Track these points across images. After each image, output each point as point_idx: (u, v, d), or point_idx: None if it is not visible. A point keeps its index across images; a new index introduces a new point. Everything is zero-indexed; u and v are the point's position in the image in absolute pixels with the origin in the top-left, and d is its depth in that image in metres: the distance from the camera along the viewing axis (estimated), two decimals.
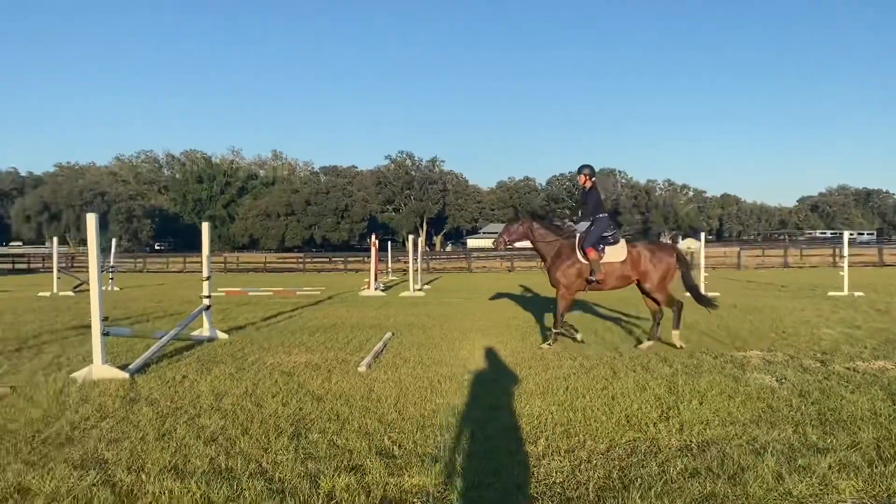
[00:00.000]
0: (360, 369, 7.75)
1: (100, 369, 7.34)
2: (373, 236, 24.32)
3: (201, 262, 11.23)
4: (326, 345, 9.74)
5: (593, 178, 9.75)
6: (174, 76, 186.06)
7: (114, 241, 29.47)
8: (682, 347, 8.99)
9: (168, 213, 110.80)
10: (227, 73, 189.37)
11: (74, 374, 7.37)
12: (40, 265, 50.05)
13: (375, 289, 21.18)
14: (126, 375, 7.30)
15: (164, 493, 3.95)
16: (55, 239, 27.84)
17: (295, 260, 55.05)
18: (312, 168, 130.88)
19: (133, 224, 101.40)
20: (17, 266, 50.66)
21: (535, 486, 4.12)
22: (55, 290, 21.45)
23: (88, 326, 8.86)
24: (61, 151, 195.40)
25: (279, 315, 13.99)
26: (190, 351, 9.22)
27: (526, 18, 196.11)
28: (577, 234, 9.62)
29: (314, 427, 5.39)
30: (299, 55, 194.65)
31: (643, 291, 9.62)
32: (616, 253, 9.43)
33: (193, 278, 32.78)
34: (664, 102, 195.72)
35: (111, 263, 25.61)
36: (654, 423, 5.38)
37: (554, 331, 9.55)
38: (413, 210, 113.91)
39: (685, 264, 9.65)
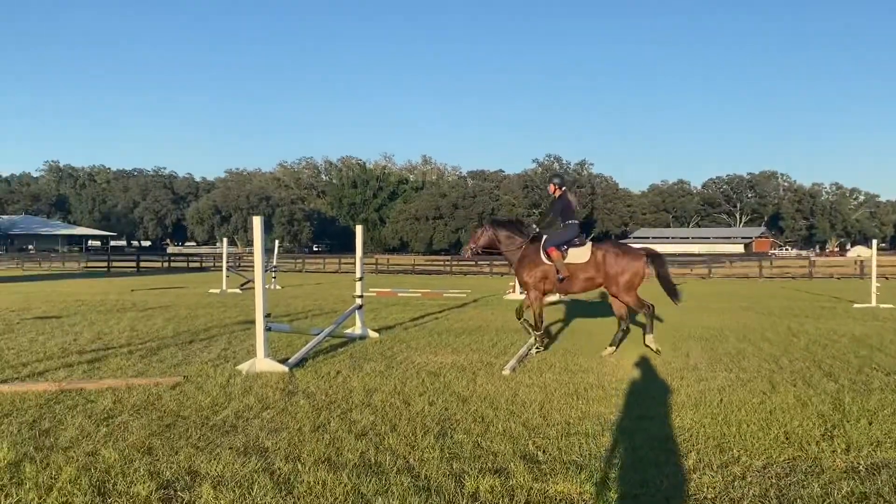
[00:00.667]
0: (504, 372, 7.77)
1: (262, 362, 7.82)
2: None
3: (355, 263, 11.68)
4: (472, 347, 9.85)
5: (563, 188, 10.01)
6: (332, 87, 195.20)
7: (276, 243, 31.32)
8: (658, 351, 9.07)
9: (325, 216, 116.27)
10: (380, 82, 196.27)
11: (240, 367, 7.89)
12: (211, 264, 54.02)
13: (520, 292, 21.16)
14: (286, 369, 7.72)
15: (318, 483, 4.14)
16: (225, 240, 30.04)
17: (442, 262, 56.05)
18: (460, 172, 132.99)
19: (294, 226, 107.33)
20: (191, 265, 54.96)
21: (686, 501, 3.96)
22: (224, 288, 23.05)
23: (253, 322, 9.46)
24: (231, 158, 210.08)
25: (426, 316, 14.30)
26: (343, 348, 9.62)
27: (678, 18, 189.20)
28: (543, 238, 9.85)
29: (459, 427, 5.46)
30: (450, 61, 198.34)
31: (611, 294, 9.67)
32: (579, 255, 9.55)
33: (347, 278, 34.20)
34: (831, 101, 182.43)
35: (274, 263, 27.16)
36: (817, 442, 5.02)
37: (536, 333, 9.53)
38: None
39: (662, 265, 9.69)
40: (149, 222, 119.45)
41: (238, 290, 23.01)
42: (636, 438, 5.19)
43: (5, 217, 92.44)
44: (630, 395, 6.75)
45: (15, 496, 3.91)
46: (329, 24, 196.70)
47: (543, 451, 4.86)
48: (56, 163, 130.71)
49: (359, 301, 11.13)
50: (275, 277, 26.28)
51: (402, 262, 58.66)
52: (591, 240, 10.34)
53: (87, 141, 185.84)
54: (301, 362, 8.29)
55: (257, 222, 8.31)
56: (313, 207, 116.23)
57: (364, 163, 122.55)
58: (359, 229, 11.95)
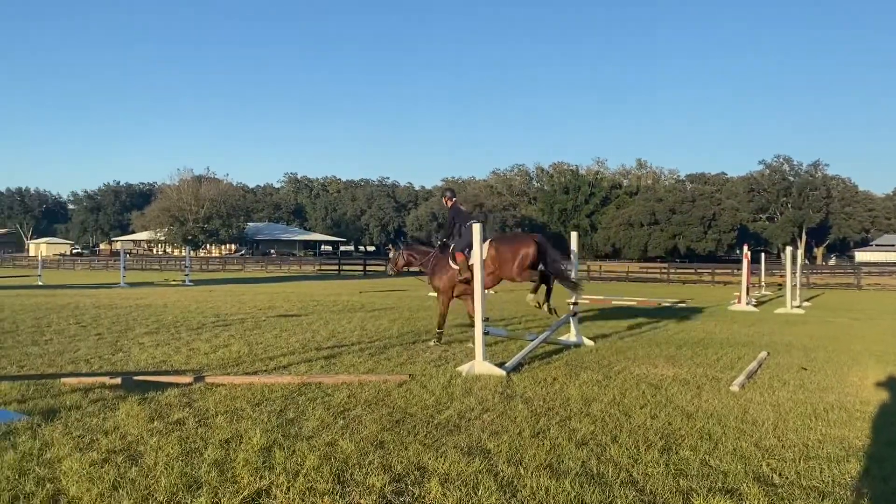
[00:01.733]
0: (732, 388, 7.34)
1: (481, 365, 8.02)
2: (744, 247, 22.87)
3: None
4: (694, 360, 9.41)
5: (453, 199, 11.25)
6: (542, 95, 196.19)
7: None
8: (538, 306, 10.14)
9: (536, 222, 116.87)
10: (592, 87, 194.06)
11: (459, 368, 8.16)
12: None
13: (746, 304, 19.90)
14: (503, 373, 7.86)
15: (542, 489, 4.16)
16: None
17: (658, 270, 54.17)
18: (678, 176, 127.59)
19: (506, 233, 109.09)
20: (411, 269, 57.69)
21: None
22: None
23: (469, 325, 9.72)
24: (447, 168, 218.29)
25: (643, 325, 13.88)
26: (558, 355, 9.61)
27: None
28: (451, 246, 10.89)
29: (685, 443, 5.23)
30: (664, 62, 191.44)
31: (507, 279, 10.48)
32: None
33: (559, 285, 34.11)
34: None
35: None
36: None
37: (437, 330, 10.76)
38: (790, 219, 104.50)
39: (546, 250, 10.15)
40: (373, 228, 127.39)
41: None
42: (886, 466, 4.68)
43: (252, 224, 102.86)
44: (879, 418, 6.10)
45: (267, 479, 4.33)
46: (538, 32, 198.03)
47: (779, 474, 4.53)
48: (294, 175, 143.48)
49: (573, 308, 11.06)
50: None
51: (616, 269, 57.38)
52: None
53: (320, 155, 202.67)
54: (517, 367, 8.40)
55: (476, 228, 8.55)
56: (524, 214, 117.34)
57: (576, 168, 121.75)
58: (573, 236, 11.88)
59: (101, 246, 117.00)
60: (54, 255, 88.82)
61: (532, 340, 9.61)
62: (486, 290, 10.52)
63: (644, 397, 6.86)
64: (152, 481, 4.24)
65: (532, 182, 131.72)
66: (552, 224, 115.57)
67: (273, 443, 5.09)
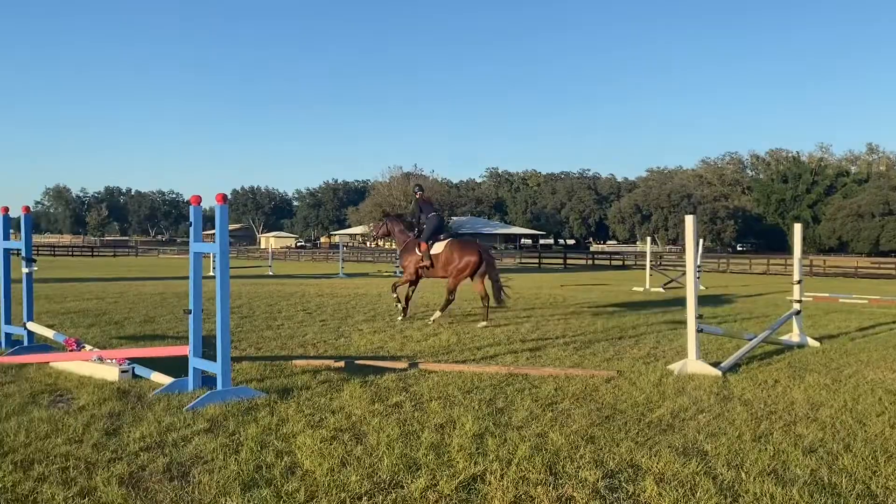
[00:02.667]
0: None
1: (693, 364, 7.70)
2: None
3: (785, 265, 10.82)
4: None
5: (420, 192, 13.50)
6: (756, 81, 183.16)
7: (700, 242, 30.53)
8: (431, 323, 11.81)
9: (750, 213, 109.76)
10: (824, 67, 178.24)
11: (670, 366, 7.89)
12: (633, 262, 54.94)
13: None
14: (718, 373, 7.49)
15: (766, 495, 3.93)
16: (648, 238, 30.35)
17: (893, 265, 48.75)
18: None
19: (716, 225, 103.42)
20: (614, 262, 56.61)
21: None
22: (647, 286, 23.26)
23: (680, 322, 9.35)
24: (652, 157, 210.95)
25: (878, 326, 12.58)
26: (779, 355, 8.98)
27: None
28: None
29: None
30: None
31: (443, 277, 12.43)
32: (438, 247, 12.27)
33: (776, 281, 31.83)
34: None
35: (698, 263, 26.53)
36: None
37: (392, 294, 13.05)
38: None
39: (489, 262, 12.25)
40: (573, 221, 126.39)
41: (661, 289, 23.00)
42: None
43: (455, 218, 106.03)
44: None
45: (482, 464, 4.46)
46: (753, 20, 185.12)
47: None
48: (495, 169, 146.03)
49: (796, 306, 10.29)
50: (698, 277, 25.62)
51: (842, 264, 52.38)
52: (451, 237, 12.76)
53: (519, 150, 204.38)
54: (734, 367, 7.96)
55: (689, 221, 8.21)
56: (737, 205, 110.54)
57: (797, 154, 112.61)
58: (797, 228, 11.02)
59: (322, 239, 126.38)
60: (281, 247, 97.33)
61: (750, 340, 9.06)
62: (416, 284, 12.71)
63: (881, 404, 6.24)
64: (376, 460, 4.53)
65: (746, 171, 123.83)
66: (769, 216, 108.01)
67: (485, 430, 5.24)
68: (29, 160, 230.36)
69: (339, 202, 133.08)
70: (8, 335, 8.71)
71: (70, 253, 72.10)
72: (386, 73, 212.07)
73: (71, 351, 7.69)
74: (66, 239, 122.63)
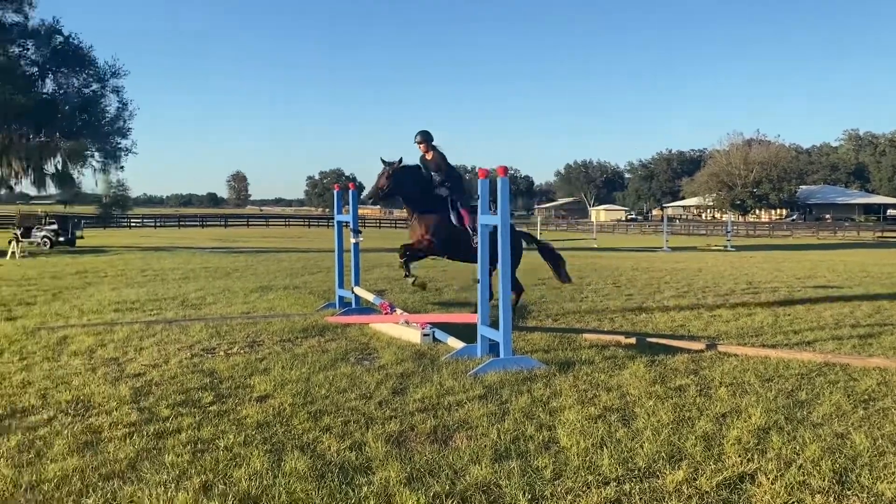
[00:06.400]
0: None
1: None
2: None
3: None
4: None
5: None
6: None
7: None
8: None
9: None
10: None
11: None
12: None
13: None
14: None
15: None
16: None
17: None
18: None
19: None
20: None
21: None
22: None
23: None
24: None
25: None
26: None
27: None
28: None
29: None
30: None
31: None
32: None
33: None
34: None
35: None
36: None
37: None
38: None
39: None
40: None
41: None
42: None
43: (804, 187, 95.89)
44: None
45: (755, 462, 3.95)
46: None
47: None
48: (855, 131, 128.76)
49: None
50: None
51: None
52: None
53: (890, 108, 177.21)
54: None
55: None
56: None
57: None
58: None
59: (654, 212, 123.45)
60: (611, 220, 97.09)
61: None
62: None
63: None
64: (636, 444, 4.26)
65: None
66: None
67: (772, 424, 4.64)
68: (388, 141, 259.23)
69: (673, 173, 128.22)
70: (341, 297, 9.87)
71: (394, 225, 79.68)
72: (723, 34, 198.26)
73: (385, 314, 8.47)
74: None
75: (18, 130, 22.79)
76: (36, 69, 24.12)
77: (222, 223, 70.81)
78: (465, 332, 7.24)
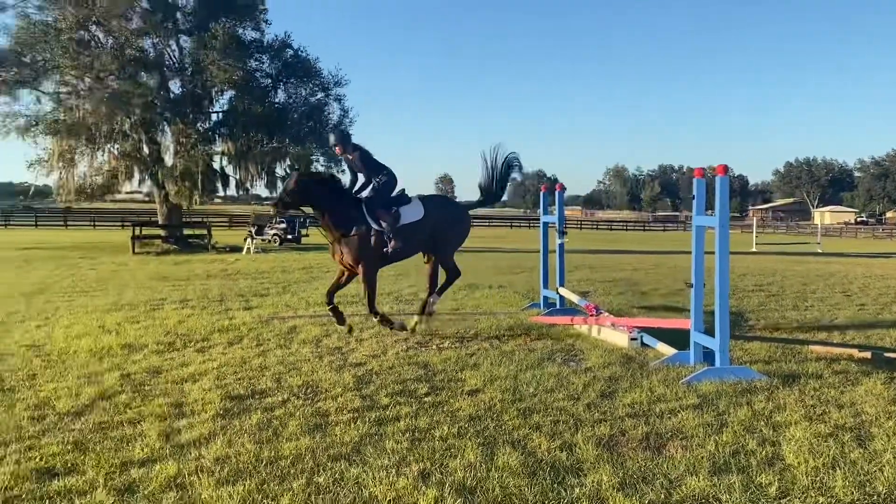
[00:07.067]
0: None
1: None
2: None
3: None
4: None
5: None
6: None
7: None
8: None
9: None
10: None
11: None
12: None
13: None
14: None
15: None
16: None
17: None
18: None
19: None
20: None
21: None
22: None
23: None
24: None
25: None
26: None
27: None
28: None
29: None
30: None
31: None
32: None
33: None
34: None
35: None
36: None
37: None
38: None
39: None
40: None
41: None
42: None
43: None
44: None
45: None
46: None
47: None
48: None
49: None
50: None
51: None
52: None
53: None
54: None
55: None
56: None
57: None
58: None
59: (888, 214, 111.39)
60: (837, 223, 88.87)
61: None
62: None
63: None
64: (875, 468, 3.88)
65: None
66: None
67: None
68: (595, 143, 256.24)
69: None
70: (545, 298, 9.90)
71: (625, 227, 77.83)
72: None
73: (590, 316, 8.37)
74: (623, 214, 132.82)
75: (254, 137, 25.19)
76: (269, 81, 26.52)
77: None
78: (676, 338, 6.98)
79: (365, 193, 7.90)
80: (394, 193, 7.96)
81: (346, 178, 8.45)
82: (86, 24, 23.94)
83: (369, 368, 6.29)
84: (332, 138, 8.12)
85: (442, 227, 8.13)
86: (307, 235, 28.25)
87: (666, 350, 6.83)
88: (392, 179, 7.91)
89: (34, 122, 23.81)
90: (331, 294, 7.92)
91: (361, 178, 7.99)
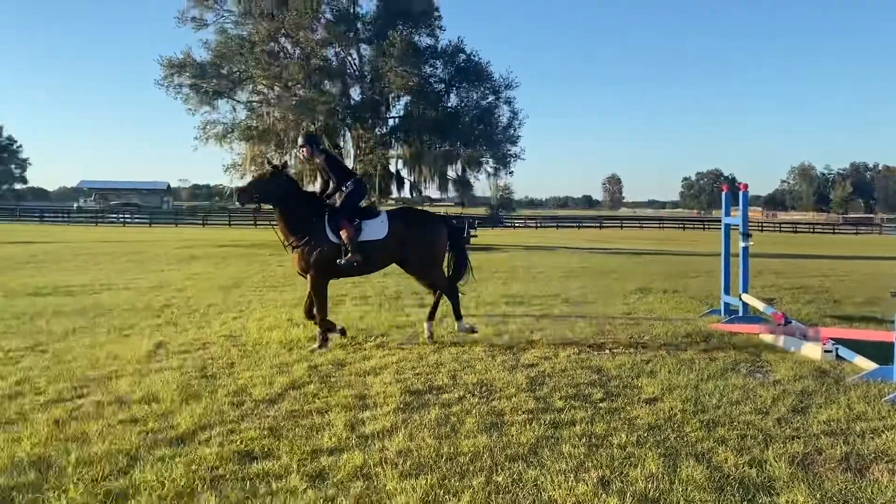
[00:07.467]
0: None
1: None
2: None
3: None
4: None
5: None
6: None
7: None
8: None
9: None
10: None
11: None
12: None
13: None
14: None
15: None
16: None
17: None
18: None
19: None
20: None
21: None
22: None
23: None
24: None
25: None
26: None
27: None
28: None
29: None
30: None
31: None
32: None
33: None
34: None
35: None
36: None
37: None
38: None
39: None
40: None
41: None
42: None
43: None
44: None
45: None
46: None
47: None
48: None
49: None
50: None
51: None
52: None
53: None
54: None
55: None
56: None
57: None
58: None
59: None
60: None
61: None
62: None
63: None
64: None
65: None
66: None
67: None
68: (778, 141, 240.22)
69: None
70: (726, 304, 9.42)
71: (811, 230, 72.38)
72: None
73: (778, 325, 7.86)
74: (809, 216, 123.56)
75: (428, 141, 26.00)
76: (443, 85, 27.24)
77: (597, 225, 72.22)
78: (877, 351, 6.39)
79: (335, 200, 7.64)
80: (362, 204, 7.80)
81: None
82: (276, 35, 25.77)
83: (541, 370, 6.27)
84: (299, 139, 7.96)
85: (411, 245, 7.66)
86: (476, 236, 28.69)
87: (865, 364, 6.28)
88: (359, 188, 7.71)
89: (230, 130, 25.98)
90: (308, 310, 7.71)
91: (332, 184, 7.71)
